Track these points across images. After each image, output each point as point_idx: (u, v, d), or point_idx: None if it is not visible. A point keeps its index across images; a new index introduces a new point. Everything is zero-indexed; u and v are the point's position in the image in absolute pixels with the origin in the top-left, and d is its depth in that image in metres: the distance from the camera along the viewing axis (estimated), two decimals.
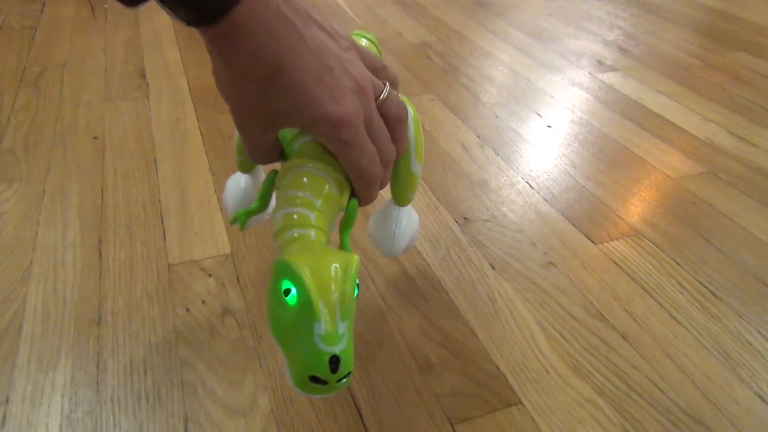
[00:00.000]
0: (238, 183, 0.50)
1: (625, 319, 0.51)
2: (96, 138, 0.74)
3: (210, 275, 0.54)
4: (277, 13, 0.31)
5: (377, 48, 0.50)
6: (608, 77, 0.98)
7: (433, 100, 0.88)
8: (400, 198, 0.47)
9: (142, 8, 0.31)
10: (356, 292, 0.31)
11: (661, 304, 0.52)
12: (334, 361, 0.28)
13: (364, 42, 0.48)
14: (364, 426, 0.42)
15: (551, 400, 0.44)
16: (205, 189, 0.65)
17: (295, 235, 0.34)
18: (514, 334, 0.49)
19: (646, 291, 0.54)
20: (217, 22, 0.30)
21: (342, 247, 0.38)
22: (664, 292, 0.54)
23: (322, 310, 0.28)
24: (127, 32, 1.07)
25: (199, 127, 0.77)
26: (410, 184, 0.46)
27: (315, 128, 0.34)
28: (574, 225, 0.62)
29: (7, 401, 0.43)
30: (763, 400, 0.44)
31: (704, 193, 0.68)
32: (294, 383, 0.30)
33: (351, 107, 0.33)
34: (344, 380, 0.30)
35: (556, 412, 0.43)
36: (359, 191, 0.38)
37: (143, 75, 0.91)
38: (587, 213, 0.64)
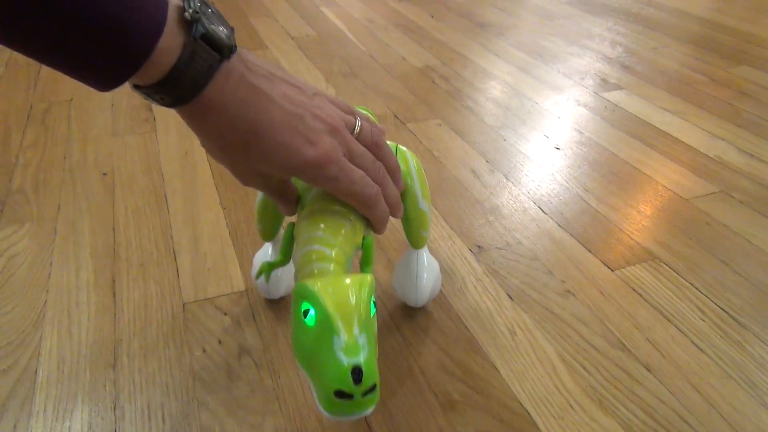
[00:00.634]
0: (265, 255, 0.53)
1: (647, 349, 0.50)
2: (105, 174, 0.74)
3: (225, 313, 0.53)
4: (242, 83, 0.34)
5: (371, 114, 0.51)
6: (613, 96, 0.98)
7: (440, 125, 0.88)
8: (415, 239, 0.49)
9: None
10: (374, 310, 0.33)
11: (682, 332, 0.52)
12: (357, 372, 0.29)
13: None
14: None
15: None
16: (216, 223, 0.65)
17: (315, 270, 0.36)
18: (536, 368, 0.48)
19: (666, 318, 0.53)
20: (190, 102, 0.33)
21: None
22: (685, 318, 0.53)
23: (339, 323, 0.30)
24: None
25: (207, 160, 0.77)
26: (421, 223, 0.49)
27: (301, 174, 0.37)
28: (589, 250, 0.62)
29: None
30: None
31: (718, 213, 0.68)
32: (322, 407, 0.31)
33: (327, 146, 0.36)
34: (370, 395, 0.30)
35: None
36: (367, 215, 0.40)
37: (150, 108, 0.91)
38: (602, 238, 0.64)
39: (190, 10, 0.31)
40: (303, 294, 0.32)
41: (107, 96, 0.95)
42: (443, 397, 0.46)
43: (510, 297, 0.56)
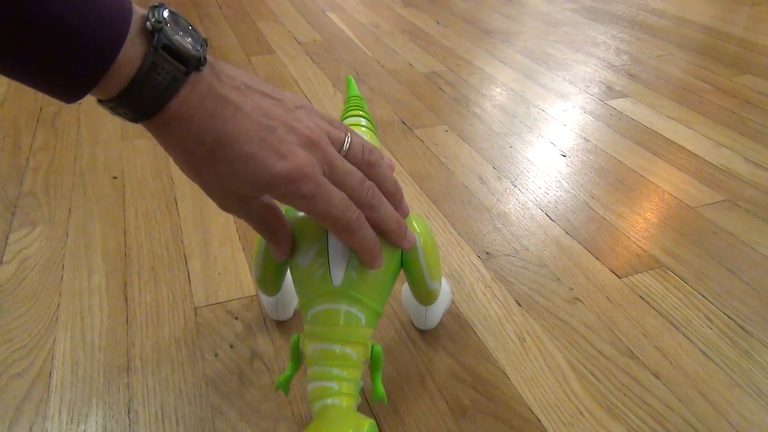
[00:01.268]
0: (271, 301, 0.52)
1: (656, 356, 0.50)
2: (115, 178, 0.74)
3: (236, 318, 0.54)
4: (210, 94, 0.32)
5: (372, 126, 0.49)
6: (618, 103, 0.99)
7: (447, 131, 0.88)
8: (424, 303, 0.49)
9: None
10: None
11: (690, 340, 0.52)
12: None
13: (363, 130, 0.48)
14: None
15: None
16: (226, 227, 0.66)
17: (328, 403, 0.37)
18: (545, 375, 0.49)
19: (674, 326, 0.54)
20: (155, 116, 0.32)
21: (375, 389, 0.41)
22: (693, 327, 0.54)
23: None
24: None
25: None
26: (431, 299, 0.47)
27: (272, 190, 0.34)
28: (597, 258, 0.62)
29: None
30: None
31: (724, 222, 0.68)
32: None
33: (301, 160, 0.33)
34: None
35: None
36: (349, 243, 0.38)
37: None
38: (609, 245, 0.64)
39: (153, 20, 0.30)
40: None
41: None
42: (454, 403, 0.46)
43: (518, 303, 0.56)
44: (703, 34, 1.35)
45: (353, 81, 0.54)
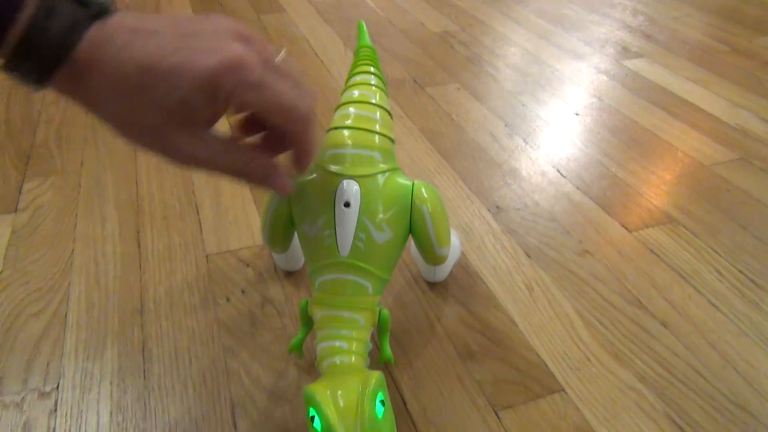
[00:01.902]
0: (281, 256, 0.53)
1: (664, 307, 0.51)
2: None
3: (248, 265, 0.54)
4: (120, 29, 0.29)
5: (383, 85, 0.47)
6: (634, 64, 0.97)
7: (458, 89, 0.87)
8: (432, 265, 0.49)
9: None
10: (381, 411, 0.33)
11: (699, 292, 0.52)
12: None
13: (372, 89, 0.45)
14: (409, 413, 0.42)
15: (594, 387, 0.44)
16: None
17: (336, 361, 0.37)
18: (554, 323, 0.49)
19: (684, 279, 0.54)
20: (63, 67, 0.28)
21: (382, 352, 0.42)
22: (703, 279, 0.54)
23: None
24: None
25: (227, 118, 0.77)
26: (439, 262, 0.46)
27: (217, 89, 0.29)
28: (608, 213, 0.62)
29: (57, 388, 0.44)
30: None
31: (738, 179, 0.67)
32: None
33: (237, 50, 0.29)
34: None
35: (599, 399, 0.43)
36: (304, 135, 0.33)
37: None
38: (621, 201, 0.64)
39: None
40: (308, 400, 0.34)
41: None
42: (462, 347, 0.47)
43: (528, 255, 0.56)
44: None
45: (365, 27, 0.53)
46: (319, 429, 0.32)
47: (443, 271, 0.52)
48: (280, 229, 0.45)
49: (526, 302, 0.51)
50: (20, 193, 0.63)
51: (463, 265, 0.55)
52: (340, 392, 0.33)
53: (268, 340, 0.47)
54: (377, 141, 0.42)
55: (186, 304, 0.50)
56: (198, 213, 0.61)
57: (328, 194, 0.40)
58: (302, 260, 0.53)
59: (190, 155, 0.31)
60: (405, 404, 0.43)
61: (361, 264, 0.39)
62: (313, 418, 0.33)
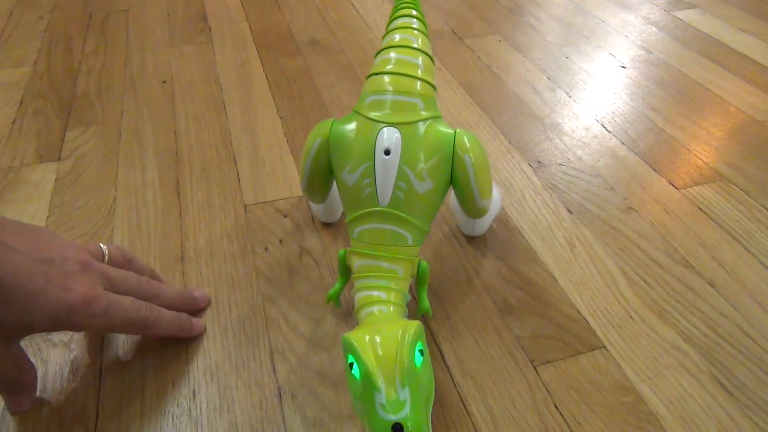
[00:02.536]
0: (319, 207, 0.53)
1: (712, 266, 0.49)
2: (165, 82, 0.74)
3: (285, 216, 0.55)
4: None
5: (425, 29, 0.46)
6: (685, 14, 0.92)
7: (500, 41, 0.84)
8: (473, 218, 0.48)
9: None
10: (420, 360, 0.33)
11: (750, 252, 0.50)
12: (397, 429, 0.30)
13: (414, 33, 0.44)
14: (446, 365, 0.42)
15: (636, 345, 0.43)
16: (274, 132, 0.66)
17: (374, 310, 0.37)
18: (595, 279, 0.48)
19: (734, 238, 0.52)
20: None
21: (420, 303, 0.41)
22: (754, 239, 0.52)
23: (380, 380, 0.31)
24: None
25: (263, 71, 0.77)
26: (480, 214, 0.45)
27: (68, 321, 0.34)
28: (654, 169, 0.60)
29: None
30: None
31: None
32: None
33: (86, 286, 0.35)
34: None
35: (641, 357, 0.42)
36: (159, 335, 0.41)
37: (205, 19, 0.91)
38: (668, 157, 0.61)
39: None
40: (347, 348, 0.33)
41: (163, 6, 0.95)
42: (501, 302, 0.46)
43: (569, 211, 0.55)
44: None
45: None
46: (357, 376, 0.32)
47: (483, 225, 0.51)
48: (319, 177, 0.45)
49: (567, 258, 0.50)
50: (63, 141, 0.64)
51: (502, 219, 0.54)
52: (379, 340, 0.33)
53: (306, 290, 0.48)
54: (419, 87, 0.41)
55: (225, 252, 0.51)
56: (236, 164, 0.61)
57: (368, 142, 0.39)
58: (340, 211, 0.53)
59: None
60: (442, 356, 0.43)
61: (400, 213, 0.39)
62: (351, 365, 0.33)
